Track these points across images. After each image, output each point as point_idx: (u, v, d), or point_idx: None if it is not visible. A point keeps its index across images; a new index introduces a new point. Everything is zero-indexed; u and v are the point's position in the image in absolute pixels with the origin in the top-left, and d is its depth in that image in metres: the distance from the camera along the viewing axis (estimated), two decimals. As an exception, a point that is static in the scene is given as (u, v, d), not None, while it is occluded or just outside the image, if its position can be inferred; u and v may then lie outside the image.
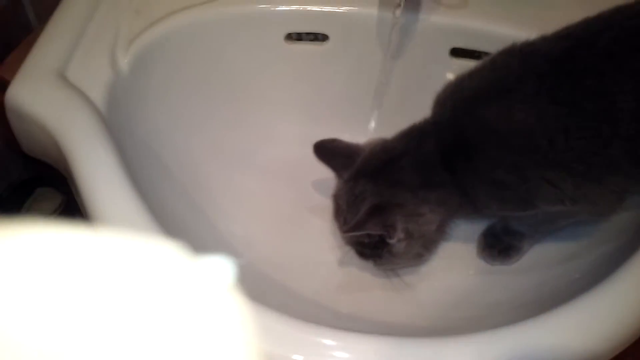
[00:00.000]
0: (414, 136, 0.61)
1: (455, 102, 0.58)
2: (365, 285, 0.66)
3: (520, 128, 0.53)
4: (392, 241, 0.59)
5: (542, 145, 0.52)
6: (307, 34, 0.74)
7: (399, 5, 0.65)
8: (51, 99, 0.58)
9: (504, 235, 0.65)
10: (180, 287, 0.17)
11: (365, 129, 0.77)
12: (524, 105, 0.53)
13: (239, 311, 0.18)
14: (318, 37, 0.74)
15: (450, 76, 0.71)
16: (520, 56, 0.55)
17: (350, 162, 0.64)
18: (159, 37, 0.66)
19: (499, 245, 0.65)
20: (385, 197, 0.59)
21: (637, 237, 0.56)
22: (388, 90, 0.75)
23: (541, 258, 0.64)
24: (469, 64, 0.71)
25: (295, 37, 0.73)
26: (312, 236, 0.70)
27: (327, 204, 0.72)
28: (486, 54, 0.65)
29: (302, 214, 0.72)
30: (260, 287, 0.61)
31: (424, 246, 0.61)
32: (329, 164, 0.66)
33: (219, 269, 0.17)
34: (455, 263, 0.67)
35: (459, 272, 0.67)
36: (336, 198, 0.64)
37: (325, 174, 0.75)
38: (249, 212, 0.71)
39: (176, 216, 0.61)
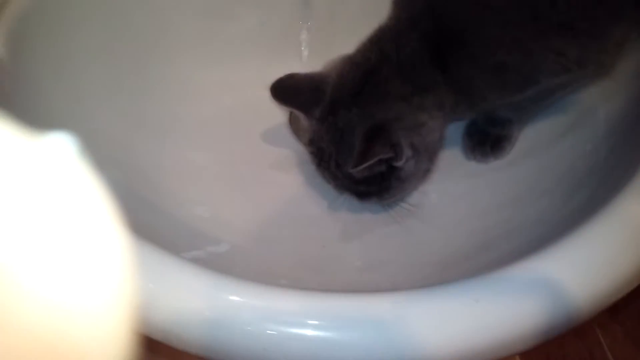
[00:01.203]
0: (387, 40, 0.52)
1: None
2: (366, 226, 0.58)
3: None
4: (400, 163, 0.50)
5: (544, 9, 0.46)
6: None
7: None
8: None
9: (491, 128, 0.59)
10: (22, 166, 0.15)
11: (298, 55, 0.67)
12: None
13: (88, 182, 0.17)
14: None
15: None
16: None
17: (318, 95, 0.53)
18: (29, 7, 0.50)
19: (488, 140, 0.60)
20: (380, 115, 0.50)
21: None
22: (314, 3, 0.65)
23: (536, 142, 0.60)
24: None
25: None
26: (285, 195, 0.60)
27: (286, 155, 0.62)
28: None
29: (265, 173, 0.61)
30: (260, 267, 0.51)
31: (429, 159, 0.54)
32: (294, 105, 0.55)
33: (60, 145, 0.16)
34: (445, 175, 0.61)
35: (455, 183, 0.60)
36: (313, 143, 0.54)
37: (270, 121, 0.64)
38: (205, 189, 0.58)
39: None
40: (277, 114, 0.64)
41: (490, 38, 0.48)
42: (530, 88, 0.51)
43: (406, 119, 0.50)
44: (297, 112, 0.55)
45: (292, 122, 0.65)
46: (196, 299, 0.37)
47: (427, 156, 0.53)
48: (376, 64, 0.51)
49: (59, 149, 0.17)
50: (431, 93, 0.51)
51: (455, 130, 0.62)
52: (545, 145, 0.59)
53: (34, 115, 0.48)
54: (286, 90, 0.54)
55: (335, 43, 0.67)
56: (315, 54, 0.68)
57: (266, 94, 0.65)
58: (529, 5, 0.47)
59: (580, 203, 0.48)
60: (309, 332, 0.36)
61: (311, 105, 0.53)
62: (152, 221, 0.51)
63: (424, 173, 0.54)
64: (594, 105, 0.56)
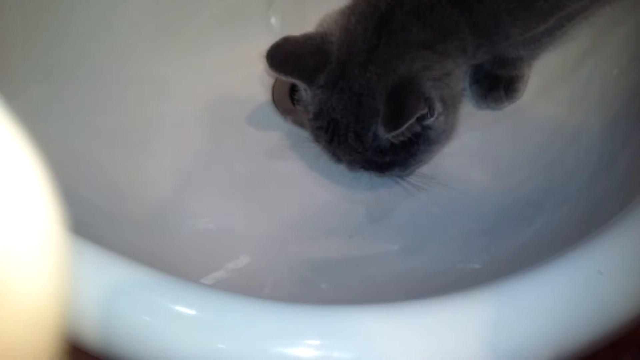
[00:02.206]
0: None
1: None
2: (389, 203, 0.51)
3: None
4: (432, 120, 0.44)
5: None
6: None
7: None
8: None
9: (501, 69, 0.54)
10: None
11: (268, 27, 0.59)
12: None
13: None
14: None
15: None
16: None
17: (321, 58, 0.45)
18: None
19: (500, 83, 0.54)
20: (404, 69, 0.43)
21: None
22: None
23: (551, 75, 0.55)
24: None
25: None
26: (291, 186, 0.52)
27: (278, 138, 0.55)
28: None
29: (262, 165, 0.53)
30: (292, 275, 0.44)
31: (455, 114, 0.47)
32: (294, 74, 0.47)
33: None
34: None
35: (471, 137, 0.54)
36: (322, 115, 0.46)
37: (251, 104, 0.57)
38: (202, 197, 0.50)
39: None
40: (257, 95, 0.57)
41: None
42: (555, 16, 0.46)
43: (434, 67, 0.44)
44: (298, 83, 0.47)
45: (278, 102, 0.57)
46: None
47: (454, 110, 0.47)
48: (388, 11, 0.44)
49: None
50: (454, 37, 0.44)
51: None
52: (561, 77, 0.54)
53: None
54: (283, 57, 0.46)
55: (306, 7, 0.59)
56: (285, 21, 0.60)
57: (239, 76, 0.58)
58: None
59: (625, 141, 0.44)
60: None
61: (314, 72, 0.46)
62: (156, 248, 0.43)
63: (451, 129, 0.48)
64: (611, 25, 0.52)
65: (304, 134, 0.51)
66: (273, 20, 0.60)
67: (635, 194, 0.34)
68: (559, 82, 0.54)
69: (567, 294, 0.30)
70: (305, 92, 0.48)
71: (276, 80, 0.57)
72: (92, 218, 0.40)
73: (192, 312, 0.30)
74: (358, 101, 0.44)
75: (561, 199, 0.45)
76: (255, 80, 0.57)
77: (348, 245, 0.48)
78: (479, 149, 0.54)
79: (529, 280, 0.31)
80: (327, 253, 0.47)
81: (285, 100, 0.57)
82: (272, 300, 0.31)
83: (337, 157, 0.49)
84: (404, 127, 0.42)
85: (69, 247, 0.18)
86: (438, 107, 0.43)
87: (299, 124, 0.54)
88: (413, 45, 0.43)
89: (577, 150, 0.49)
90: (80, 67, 0.50)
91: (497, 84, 0.54)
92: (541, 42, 0.52)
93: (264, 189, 0.52)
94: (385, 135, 0.44)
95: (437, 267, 0.44)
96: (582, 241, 0.32)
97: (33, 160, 0.17)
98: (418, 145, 0.46)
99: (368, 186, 0.51)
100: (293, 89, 0.55)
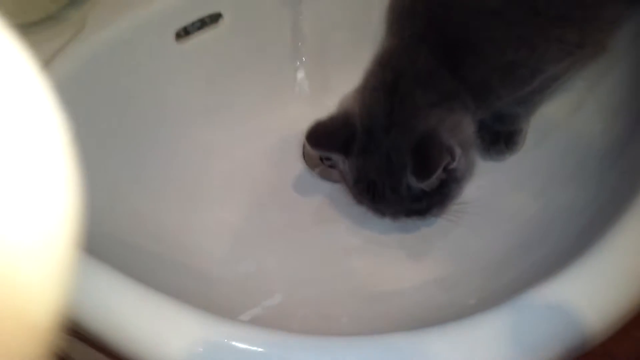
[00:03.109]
0: (397, 58, 0.53)
1: (427, 1, 0.52)
2: (423, 241, 0.59)
3: None
4: (455, 163, 0.51)
5: (541, 6, 0.49)
6: (192, 24, 0.61)
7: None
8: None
9: (501, 125, 0.61)
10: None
11: (297, 94, 0.69)
12: None
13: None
14: (206, 22, 0.62)
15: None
16: None
17: (350, 132, 0.54)
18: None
19: (501, 138, 0.61)
20: (421, 126, 0.51)
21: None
22: (306, 43, 0.66)
23: (549, 124, 0.61)
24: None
25: (184, 33, 0.61)
26: (325, 232, 0.61)
27: (309, 192, 0.64)
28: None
29: (295, 214, 0.62)
30: (319, 310, 0.52)
31: (471, 152, 0.55)
32: (332, 150, 0.55)
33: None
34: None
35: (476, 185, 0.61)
36: (361, 179, 0.54)
37: (284, 163, 0.66)
38: (243, 244, 0.59)
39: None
40: (289, 155, 0.66)
41: (497, 41, 0.50)
42: (538, 78, 0.53)
43: (446, 120, 0.52)
44: (335, 156, 0.56)
45: (307, 159, 0.66)
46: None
47: (470, 149, 0.55)
48: (394, 82, 0.52)
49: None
50: (455, 99, 0.52)
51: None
52: (555, 129, 0.61)
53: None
54: (320, 137, 0.55)
55: (331, 75, 0.69)
56: (314, 89, 0.69)
57: (274, 138, 0.67)
58: (527, 4, 0.49)
59: (612, 182, 0.50)
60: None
61: (347, 144, 0.54)
62: (202, 289, 0.52)
63: (471, 167, 0.55)
64: (595, 82, 0.58)
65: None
66: (302, 88, 0.69)
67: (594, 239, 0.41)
68: (554, 132, 0.61)
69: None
70: (343, 163, 0.56)
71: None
72: (145, 262, 0.50)
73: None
74: (388, 160, 0.52)
75: (549, 239, 0.52)
76: (286, 142, 0.66)
77: (366, 284, 0.56)
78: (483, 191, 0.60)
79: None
80: (346, 290, 0.55)
81: (314, 158, 0.66)
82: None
83: (381, 212, 0.56)
84: (434, 177, 0.50)
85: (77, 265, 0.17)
86: (458, 152, 0.51)
87: (325, 176, 0.63)
88: (422, 106, 0.51)
89: (570, 199, 0.55)
90: (140, 134, 0.60)
91: (498, 138, 0.61)
92: (534, 101, 0.59)
93: (297, 235, 0.60)
94: (418, 185, 0.51)
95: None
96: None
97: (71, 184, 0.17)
98: (448, 186, 0.53)
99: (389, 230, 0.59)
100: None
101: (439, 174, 0.50)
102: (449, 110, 0.52)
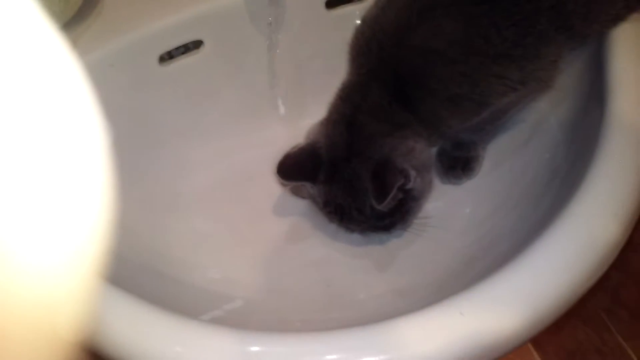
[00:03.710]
0: (353, 93, 0.59)
1: (380, 42, 0.57)
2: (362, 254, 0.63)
3: (455, 38, 0.53)
4: (411, 184, 0.56)
5: (480, 45, 0.53)
6: (176, 49, 0.67)
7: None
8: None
9: (458, 151, 0.66)
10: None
11: (276, 116, 0.73)
12: (449, 17, 0.53)
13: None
14: (189, 47, 0.67)
15: (334, 30, 0.70)
16: None
17: (317, 162, 0.59)
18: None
19: (459, 163, 0.66)
20: (377, 154, 0.56)
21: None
22: (282, 69, 0.71)
23: (504, 152, 0.66)
24: (347, 10, 0.70)
25: (167, 57, 0.66)
26: (291, 246, 0.65)
27: (283, 208, 0.68)
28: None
29: (265, 228, 0.67)
30: (275, 315, 0.56)
31: (429, 172, 0.61)
32: (300, 179, 0.61)
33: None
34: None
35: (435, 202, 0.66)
36: (329, 203, 0.60)
37: (261, 180, 0.70)
38: (213, 253, 0.63)
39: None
40: (264, 171, 0.70)
41: (441, 76, 0.55)
42: (485, 110, 0.58)
43: (399, 148, 0.57)
44: (304, 184, 0.61)
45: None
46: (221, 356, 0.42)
47: (427, 171, 0.60)
48: (352, 115, 0.58)
49: None
50: (407, 128, 0.57)
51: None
52: (509, 157, 0.65)
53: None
54: (289, 169, 0.60)
55: (306, 98, 0.74)
56: (290, 112, 0.74)
57: (250, 156, 0.72)
58: (467, 44, 0.54)
59: (546, 210, 0.54)
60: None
61: (315, 173, 0.59)
62: (171, 291, 0.56)
63: (429, 186, 0.61)
64: (546, 115, 0.63)
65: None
66: (281, 111, 0.74)
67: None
68: (507, 160, 0.65)
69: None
70: (312, 188, 0.61)
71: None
72: (123, 269, 0.54)
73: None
74: (351, 186, 0.57)
75: (492, 253, 0.56)
76: (262, 160, 0.71)
77: (326, 293, 0.60)
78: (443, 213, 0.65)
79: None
80: (306, 299, 0.59)
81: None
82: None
83: (349, 229, 0.62)
84: (389, 198, 0.55)
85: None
86: (412, 174, 0.56)
87: (296, 193, 0.68)
88: (377, 136, 0.57)
89: (514, 220, 0.59)
90: (122, 149, 0.64)
91: (455, 163, 0.65)
92: (486, 130, 0.64)
93: (264, 247, 0.65)
94: (377, 207, 0.56)
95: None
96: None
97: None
98: (407, 204, 0.58)
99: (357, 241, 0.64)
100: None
101: (394, 194, 0.55)
102: (402, 138, 0.57)
